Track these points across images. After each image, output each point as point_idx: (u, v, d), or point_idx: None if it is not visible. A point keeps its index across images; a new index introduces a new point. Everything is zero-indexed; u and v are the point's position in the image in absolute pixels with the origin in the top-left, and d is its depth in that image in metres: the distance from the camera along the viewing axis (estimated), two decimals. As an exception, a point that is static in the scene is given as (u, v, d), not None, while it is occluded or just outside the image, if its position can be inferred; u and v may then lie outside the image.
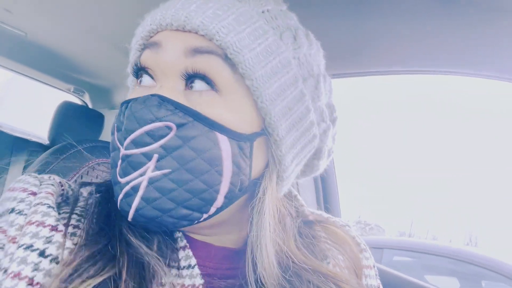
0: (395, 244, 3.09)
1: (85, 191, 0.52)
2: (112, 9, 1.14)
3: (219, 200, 0.44)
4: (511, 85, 0.79)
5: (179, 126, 0.41)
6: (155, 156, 0.40)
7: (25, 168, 1.39)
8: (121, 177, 0.42)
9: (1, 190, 1.22)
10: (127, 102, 0.44)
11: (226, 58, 0.43)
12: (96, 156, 0.70)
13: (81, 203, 0.49)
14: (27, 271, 0.37)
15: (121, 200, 0.42)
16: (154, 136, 0.40)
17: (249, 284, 0.45)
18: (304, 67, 0.49)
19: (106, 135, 1.98)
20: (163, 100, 0.41)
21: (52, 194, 0.46)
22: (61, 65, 1.83)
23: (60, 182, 0.50)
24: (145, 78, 0.47)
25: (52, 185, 0.48)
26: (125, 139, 0.41)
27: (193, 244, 0.48)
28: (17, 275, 0.37)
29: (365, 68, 1.00)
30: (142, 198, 0.41)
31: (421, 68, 0.92)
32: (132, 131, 0.41)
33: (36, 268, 0.38)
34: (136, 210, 0.41)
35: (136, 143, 0.41)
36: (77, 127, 1.75)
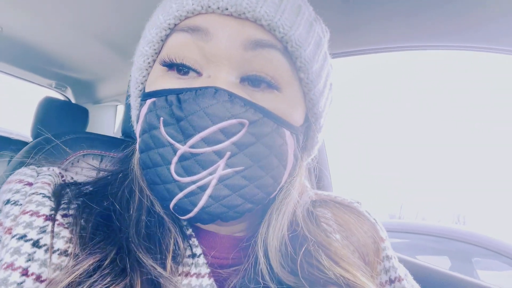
0: (385, 226, 3.09)
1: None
2: (91, 0, 1.10)
3: (276, 191, 0.44)
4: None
5: (252, 123, 0.39)
6: (228, 153, 0.38)
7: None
8: (180, 176, 0.39)
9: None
10: (176, 92, 0.40)
11: (285, 51, 0.41)
12: (78, 148, 0.68)
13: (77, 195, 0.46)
14: (20, 262, 0.36)
15: (181, 199, 0.39)
16: (227, 133, 0.38)
17: (259, 266, 0.44)
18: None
19: (90, 130, 1.95)
20: (231, 96, 0.38)
21: (48, 183, 0.44)
22: (40, 60, 1.78)
23: (60, 173, 0.49)
24: (179, 65, 0.42)
25: (50, 175, 0.46)
26: (189, 136, 0.38)
27: (198, 233, 0.47)
28: (10, 266, 0.35)
29: (372, 45, 0.97)
30: (210, 197, 0.39)
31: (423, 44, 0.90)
32: (204, 128, 0.37)
33: (30, 259, 0.36)
34: (202, 208, 0.39)
35: (208, 141, 0.38)
36: (61, 124, 1.71)
